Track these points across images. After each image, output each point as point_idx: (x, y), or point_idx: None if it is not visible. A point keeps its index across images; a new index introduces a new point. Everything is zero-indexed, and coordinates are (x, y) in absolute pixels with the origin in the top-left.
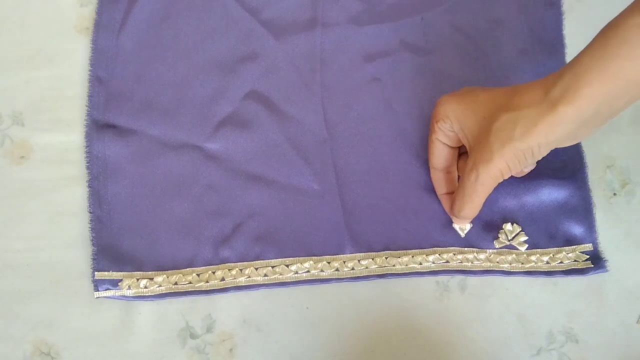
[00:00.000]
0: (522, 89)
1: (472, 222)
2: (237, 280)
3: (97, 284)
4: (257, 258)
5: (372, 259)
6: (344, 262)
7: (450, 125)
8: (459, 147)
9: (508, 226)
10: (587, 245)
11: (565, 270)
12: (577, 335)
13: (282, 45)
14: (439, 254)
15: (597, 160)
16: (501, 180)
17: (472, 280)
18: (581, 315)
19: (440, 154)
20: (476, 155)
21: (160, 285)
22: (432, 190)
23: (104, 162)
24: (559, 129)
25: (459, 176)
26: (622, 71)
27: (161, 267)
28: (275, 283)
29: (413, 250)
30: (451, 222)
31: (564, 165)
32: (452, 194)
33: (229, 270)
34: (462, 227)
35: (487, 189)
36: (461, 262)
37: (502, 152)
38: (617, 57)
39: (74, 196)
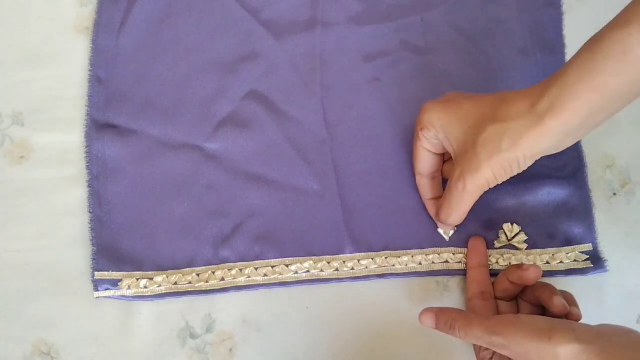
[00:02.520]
0: (508, 99)
1: (467, 222)
2: (237, 280)
3: (97, 284)
4: (257, 258)
5: (372, 259)
6: (344, 262)
7: (434, 134)
8: (444, 154)
9: (508, 226)
10: (587, 245)
11: (565, 270)
12: None
13: (282, 45)
14: (439, 254)
15: (597, 160)
16: (487, 189)
17: None
18: None
19: (425, 161)
20: (463, 165)
21: (160, 285)
22: None
23: (104, 162)
24: (545, 141)
25: (443, 179)
26: (606, 86)
27: (161, 267)
28: (275, 283)
29: (413, 250)
30: None
31: (564, 165)
32: (437, 199)
33: (228, 270)
34: (447, 231)
35: (474, 197)
36: (461, 262)
37: (490, 162)
38: (602, 72)
39: (74, 196)
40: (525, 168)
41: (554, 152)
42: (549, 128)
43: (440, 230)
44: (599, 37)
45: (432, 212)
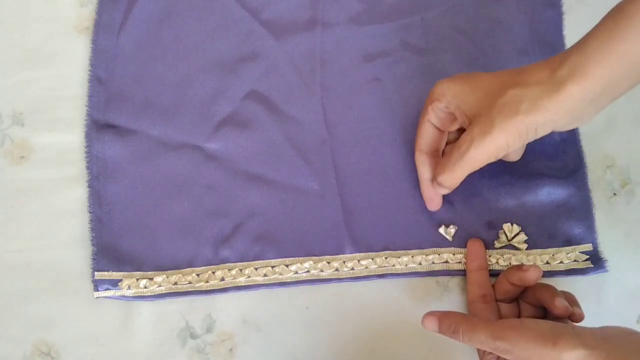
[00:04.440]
0: (527, 69)
1: (467, 222)
2: (237, 280)
3: (97, 284)
4: (257, 258)
5: (372, 259)
6: (344, 262)
7: (445, 105)
8: (447, 133)
9: (508, 226)
10: (587, 245)
11: (565, 270)
12: None
13: (282, 45)
14: (439, 254)
15: (597, 160)
16: (492, 159)
17: None
18: None
19: (428, 136)
20: (474, 127)
21: (160, 285)
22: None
23: (104, 162)
24: (565, 106)
25: None
26: (628, 53)
27: (161, 267)
28: (275, 283)
29: (413, 250)
30: (450, 223)
31: (564, 165)
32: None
33: (228, 270)
34: (448, 230)
35: (475, 163)
36: (461, 262)
37: (504, 126)
38: (624, 40)
39: (74, 196)
40: (538, 137)
41: (570, 126)
42: (570, 93)
43: (442, 230)
44: (621, 6)
45: (426, 194)
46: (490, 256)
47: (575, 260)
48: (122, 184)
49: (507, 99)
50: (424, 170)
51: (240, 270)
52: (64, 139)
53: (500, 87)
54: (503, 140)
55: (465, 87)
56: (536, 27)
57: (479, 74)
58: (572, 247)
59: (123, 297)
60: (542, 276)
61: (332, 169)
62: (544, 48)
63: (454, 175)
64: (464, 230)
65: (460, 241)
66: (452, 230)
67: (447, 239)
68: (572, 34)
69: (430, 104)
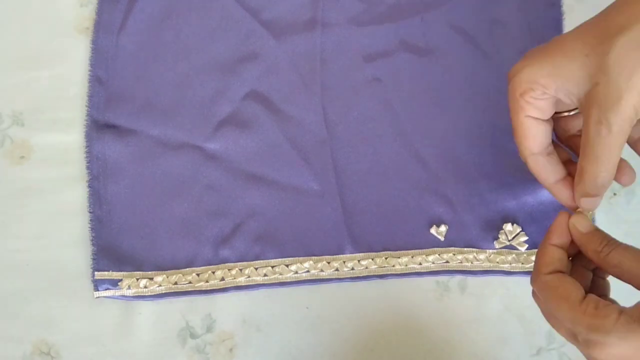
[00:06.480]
0: (615, 7)
1: (467, 222)
2: (237, 280)
3: (97, 284)
4: (257, 258)
5: (372, 259)
6: (344, 262)
7: (541, 91)
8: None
9: (508, 226)
10: None
11: None
12: None
13: (282, 46)
14: (439, 254)
15: None
16: (635, 121)
17: (472, 280)
18: None
19: (536, 134)
20: (598, 102)
21: (160, 285)
22: (431, 191)
23: (104, 162)
24: None
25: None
26: None
27: (161, 267)
28: (275, 283)
29: (413, 251)
30: (450, 223)
31: None
32: (564, 179)
33: (228, 270)
34: (440, 230)
35: (623, 137)
36: (461, 262)
37: (633, 81)
38: None
39: (74, 196)
40: None
41: None
42: None
43: (433, 231)
44: None
45: (563, 195)
46: (490, 256)
47: None
48: (122, 184)
49: (619, 50)
50: (548, 174)
51: (240, 270)
52: (64, 139)
53: (601, 40)
54: (637, 98)
55: (557, 61)
56: (536, 27)
57: (559, 39)
58: None
59: (123, 297)
60: None
61: (332, 169)
62: None
63: (610, 168)
64: (463, 230)
65: (460, 241)
66: (443, 229)
67: (438, 238)
68: None
69: (522, 96)
